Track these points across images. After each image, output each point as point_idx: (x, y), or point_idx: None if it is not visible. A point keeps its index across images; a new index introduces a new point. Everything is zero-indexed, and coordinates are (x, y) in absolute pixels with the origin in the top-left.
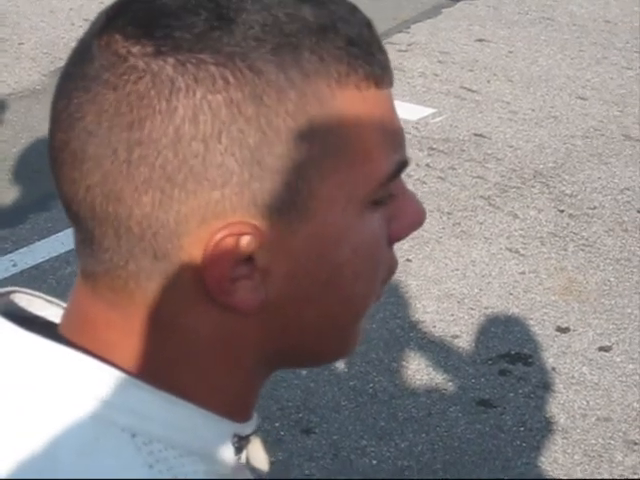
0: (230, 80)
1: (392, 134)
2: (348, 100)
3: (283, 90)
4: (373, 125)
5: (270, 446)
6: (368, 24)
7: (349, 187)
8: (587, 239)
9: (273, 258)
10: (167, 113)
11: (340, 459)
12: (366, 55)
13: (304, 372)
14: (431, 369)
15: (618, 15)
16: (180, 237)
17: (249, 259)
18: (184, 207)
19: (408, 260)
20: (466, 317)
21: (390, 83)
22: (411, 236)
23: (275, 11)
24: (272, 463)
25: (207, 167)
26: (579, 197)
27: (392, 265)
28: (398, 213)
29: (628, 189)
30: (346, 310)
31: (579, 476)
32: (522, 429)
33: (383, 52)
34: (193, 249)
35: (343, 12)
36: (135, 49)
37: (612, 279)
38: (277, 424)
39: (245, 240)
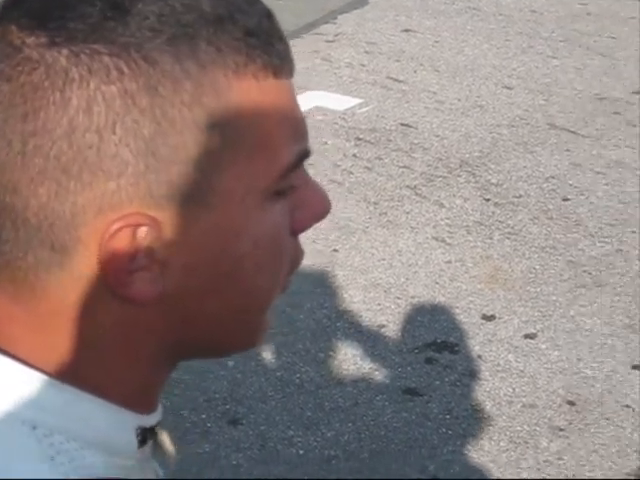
0: (124, 71)
1: (292, 124)
2: (245, 90)
3: (178, 81)
4: (272, 116)
5: (197, 438)
6: (268, 14)
7: (248, 179)
8: (512, 227)
9: (172, 250)
10: (61, 104)
11: (267, 449)
12: (265, 45)
13: (231, 363)
14: (358, 359)
15: (544, 5)
16: (77, 228)
17: (147, 250)
18: (80, 198)
19: (335, 250)
20: (393, 306)
21: (290, 73)
22: (338, 226)
23: (172, 1)
24: (199, 455)
25: (102, 158)
26: (505, 186)
27: (297, 256)
28: (301, 203)
29: (553, 177)
30: (249, 302)
31: (504, 462)
32: (448, 417)
33: (283, 42)
34: (90, 241)
35: (241, 3)
36: (29, 40)
37: (537, 267)
38: (204, 416)
39: (142, 231)
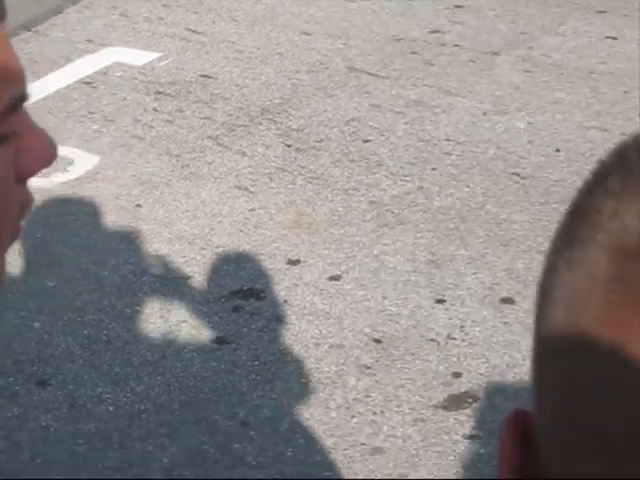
0: None
1: (2, 68)
2: None
3: None
4: None
5: (5, 402)
6: None
7: None
8: (315, 172)
9: None
10: None
11: (76, 408)
12: None
13: (37, 325)
14: (165, 312)
15: None
16: None
17: None
18: None
19: (138, 205)
20: (198, 257)
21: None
22: (140, 181)
23: None
24: (7, 418)
25: None
26: (306, 131)
27: (25, 202)
28: (24, 150)
29: (354, 120)
30: None
31: (313, 403)
32: (256, 363)
33: None
34: None
35: None
36: None
37: (340, 209)
38: (11, 379)
39: None
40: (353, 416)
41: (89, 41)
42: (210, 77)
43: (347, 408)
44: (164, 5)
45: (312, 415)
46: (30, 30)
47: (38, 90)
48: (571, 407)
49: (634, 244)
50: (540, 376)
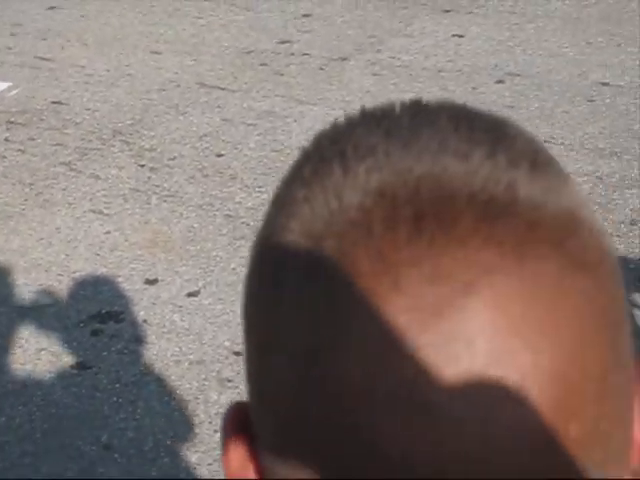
0: None
1: None
2: None
3: None
4: None
5: None
6: None
7: None
8: (169, 190)
9: None
10: None
11: None
12: None
13: None
14: (23, 341)
15: None
16: None
17: None
18: None
19: None
20: (55, 284)
21: None
22: None
23: None
24: None
25: None
26: (159, 150)
27: None
28: None
29: (206, 135)
30: None
31: (178, 420)
32: (117, 385)
33: None
34: None
35: None
36: None
37: (196, 225)
38: None
39: None
40: (216, 430)
41: None
42: (61, 103)
43: (210, 422)
44: (12, 34)
45: (176, 432)
46: None
47: None
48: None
49: (320, 230)
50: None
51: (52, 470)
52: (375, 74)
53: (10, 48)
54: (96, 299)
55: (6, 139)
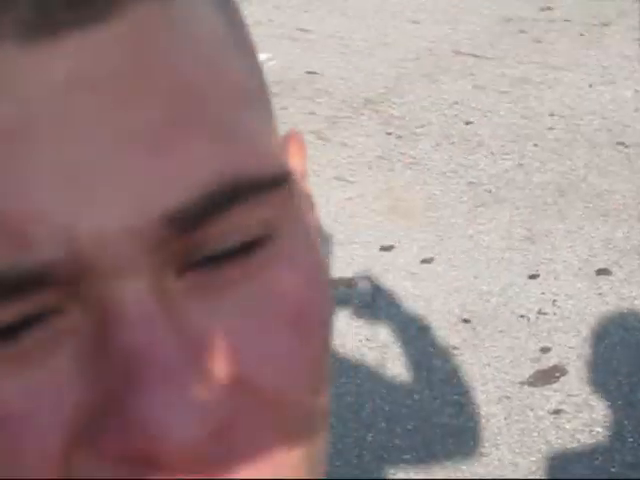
0: None
1: None
2: None
3: None
4: None
5: None
6: None
7: None
8: (414, 157)
9: None
10: None
11: None
12: None
13: None
14: None
15: None
16: None
17: None
18: None
19: None
20: None
21: None
22: None
23: None
24: None
25: None
26: (407, 118)
27: None
28: None
29: (457, 103)
30: None
31: (396, 386)
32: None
33: None
34: None
35: None
36: None
37: (437, 192)
38: None
39: None
40: (436, 398)
41: None
42: (316, 73)
43: (431, 390)
44: (275, 7)
45: (394, 400)
46: None
47: None
48: None
49: None
50: None
51: None
52: (637, 39)
53: (272, 20)
54: (330, 264)
55: None
